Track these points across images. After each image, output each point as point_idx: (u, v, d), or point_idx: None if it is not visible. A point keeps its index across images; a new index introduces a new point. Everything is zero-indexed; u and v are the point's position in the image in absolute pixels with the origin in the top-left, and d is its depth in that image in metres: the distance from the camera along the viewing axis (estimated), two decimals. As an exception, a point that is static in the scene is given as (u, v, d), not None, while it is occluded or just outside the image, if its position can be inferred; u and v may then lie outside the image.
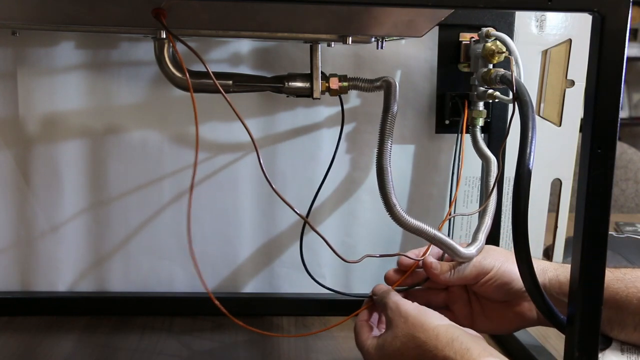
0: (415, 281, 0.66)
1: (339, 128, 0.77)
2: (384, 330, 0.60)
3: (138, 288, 0.80)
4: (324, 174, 0.75)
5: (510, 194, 0.81)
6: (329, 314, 0.80)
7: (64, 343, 0.71)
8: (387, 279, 0.66)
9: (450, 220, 0.76)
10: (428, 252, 0.66)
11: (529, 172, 0.53)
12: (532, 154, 0.54)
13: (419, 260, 0.65)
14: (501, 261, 0.63)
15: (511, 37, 0.71)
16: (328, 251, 0.73)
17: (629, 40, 0.90)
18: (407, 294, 0.66)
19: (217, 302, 0.59)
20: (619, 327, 0.61)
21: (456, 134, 0.75)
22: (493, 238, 0.75)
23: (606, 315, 0.61)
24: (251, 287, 0.82)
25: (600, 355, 0.61)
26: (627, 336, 0.62)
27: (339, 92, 0.70)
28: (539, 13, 0.77)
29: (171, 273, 0.80)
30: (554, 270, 0.62)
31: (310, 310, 0.80)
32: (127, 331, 0.74)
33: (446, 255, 0.65)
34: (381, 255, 0.80)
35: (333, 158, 0.75)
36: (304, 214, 0.73)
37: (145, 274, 0.80)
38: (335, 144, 0.78)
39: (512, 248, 0.69)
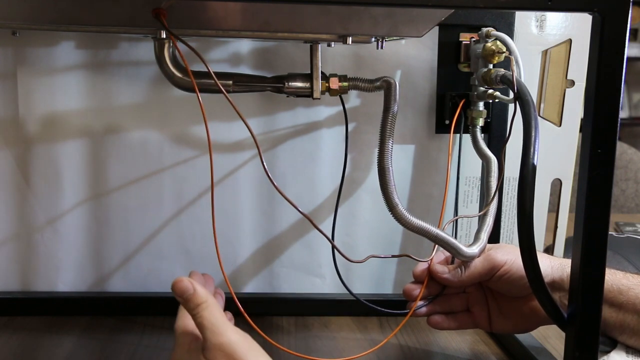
0: (433, 290, 0.66)
1: (339, 128, 0.77)
2: None
3: (138, 288, 0.80)
4: (341, 177, 0.75)
5: (511, 194, 0.81)
6: (329, 314, 0.80)
7: (64, 343, 0.71)
8: (407, 293, 0.66)
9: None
10: (433, 254, 0.66)
11: (534, 170, 0.53)
12: (536, 152, 0.53)
13: (429, 261, 0.65)
14: (515, 254, 0.62)
15: (511, 37, 0.71)
16: (328, 251, 0.73)
17: (629, 40, 0.90)
18: (433, 306, 0.66)
19: (239, 306, 0.59)
20: (630, 332, 0.61)
21: (456, 134, 0.75)
22: (493, 238, 0.75)
23: (619, 319, 0.61)
24: (251, 287, 0.82)
25: (605, 357, 0.61)
26: (637, 342, 0.62)
27: (339, 92, 0.70)
28: (539, 13, 0.77)
29: (171, 273, 0.80)
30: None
31: (310, 310, 0.80)
32: (127, 331, 0.74)
33: (455, 260, 0.66)
34: (390, 256, 0.81)
35: (345, 160, 0.75)
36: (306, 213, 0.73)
37: (145, 274, 0.80)
38: (335, 143, 0.78)
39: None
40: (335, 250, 0.72)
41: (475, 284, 0.67)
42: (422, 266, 0.66)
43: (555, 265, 0.63)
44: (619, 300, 0.61)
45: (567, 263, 0.63)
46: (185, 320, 0.55)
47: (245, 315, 0.61)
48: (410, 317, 0.66)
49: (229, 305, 0.64)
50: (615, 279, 0.62)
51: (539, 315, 0.63)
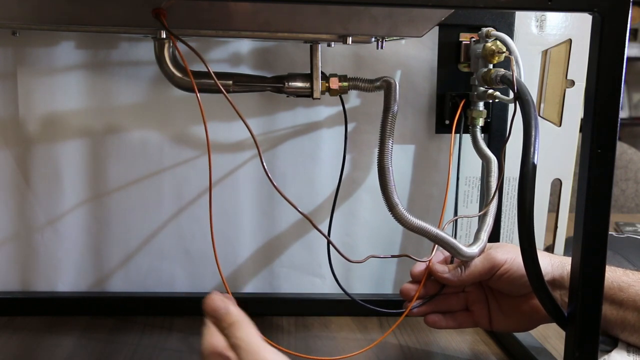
0: (431, 289, 0.66)
1: (339, 128, 0.77)
2: None
3: (138, 288, 0.80)
4: (339, 177, 0.75)
5: (511, 194, 0.81)
6: (329, 314, 0.80)
7: (64, 343, 0.71)
8: (404, 293, 0.66)
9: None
10: (433, 254, 0.66)
11: (534, 170, 0.53)
12: (536, 152, 0.54)
13: (428, 261, 0.65)
14: (515, 253, 0.62)
15: (511, 37, 0.71)
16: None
17: (629, 40, 0.90)
18: (430, 305, 0.66)
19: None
20: (631, 330, 0.61)
21: (456, 134, 0.75)
22: (493, 238, 0.75)
23: (620, 316, 0.61)
24: (251, 287, 0.82)
25: (606, 356, 0.61)
26: (638, 340, 0.62)
27: (339, 92, 0.70)
28: (539, 13, 0.77)
29: (171, 273, 0.81)
30: None
31: (310, 310, 0.80)
32: (127, 331, 0.74)
33: (455, 260, 0.65)
34: (390, 257, 0.81)
35: (344, 160, 0.75)
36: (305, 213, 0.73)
37: (145, 274, 0.80)
38: (335, 143, 0.78)
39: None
40: (330, 250, 0.72)
41: (475, 283, 0.67)
42: (420, 266, 0.66)
43: (555, 263, 0.63)
44: (619, 297, 0.60)
45: (567, 261, 0.63)
46: (213, 340, 0.51)
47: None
48: (409, 316, 0.66)
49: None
50: (616, 276, 0.62)
51: (539, 313, 0.63)
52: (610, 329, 0.62)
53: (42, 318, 0.77)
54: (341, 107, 0.74)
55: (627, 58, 0.48)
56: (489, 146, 0.73)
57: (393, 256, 0.80)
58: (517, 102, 0.59)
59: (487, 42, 0.70)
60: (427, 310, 0.66)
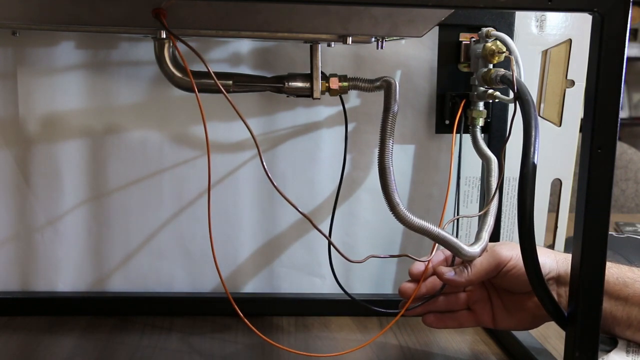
0: (430, 288, 0.66)
1: (339, 128, 0.77)
2: None
3: (138, 288, 0.80)
4: (340, 177, 0.75)
5: (511, 194, 0.81)
6: (329, 314, 0.80)
7: (64, 343, 0.71)
8: (403, 292, 0.65)
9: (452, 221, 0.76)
10: (433, 254, 0.66)
11: (534, 170, 0.53)
12: (536, 152, 0.54)
13: (428, 261, 0.65)
14: (519, 249, 0.62)
15: (511, 37, 0.71)
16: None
17: (629, 40, 0.90)
18: (427, 305, 0.66)
19: (235, 306, 0.59)
20: (637, 326, 0.61)
21: (456, 134, 0.75)
22: (494, 238, 0.74)
23: (625, 313, 0.61)
24: (251, 287, 0.82)
25: (605, 357, 0.61)
26: None
27: (339, 92, 0.70)
28: (539, 13, 0.77)
29: (171, 273, 0.81)
30: None
31: (310, 310, 0.80)
32: (127, 331, 0.74)
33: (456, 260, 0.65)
34: (388, 256, 0.81)
35: (344, 160, 0.75)
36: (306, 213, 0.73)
37: (145, 274, 0.80)
38: (335, 143, 0.78)
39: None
40: (331, 250, 0.72)
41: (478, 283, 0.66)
42: (419, 265, 0.65)
43: (560, 260, 0.62)
44: (624, 293, 0.60)
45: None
46: None
47: (242, 316, 0.60)
48: (407, 316, 0.66)
49: (226, 307, 0.64)
50: (621, 272, 0.61)
51: (543, 310, 0.63)
52: (616, 326, 0.62)
53: (42, 318, 0.77)
54: (341, 107, 0.74)
55: (627, 58, 0.48)
56: (489, 146, 0.73)
57: (393, 256, 0.80)
58: (517, 102, 0.59)
59: (487, 42, 0.70)
60: (426, 310, 0.66)
